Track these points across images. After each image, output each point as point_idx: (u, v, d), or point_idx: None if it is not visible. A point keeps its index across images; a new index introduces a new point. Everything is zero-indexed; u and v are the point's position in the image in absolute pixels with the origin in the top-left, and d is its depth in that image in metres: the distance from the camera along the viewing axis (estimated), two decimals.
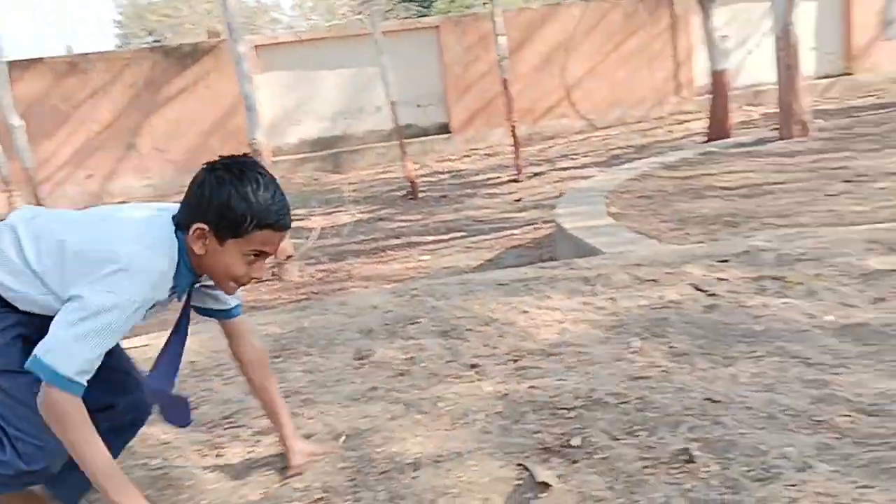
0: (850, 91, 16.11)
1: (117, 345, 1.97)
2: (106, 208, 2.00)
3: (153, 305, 1.90)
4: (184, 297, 2.02)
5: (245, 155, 1.96)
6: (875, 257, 3.64)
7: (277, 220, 1.89)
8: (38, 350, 1.71)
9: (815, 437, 2.10)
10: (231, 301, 2.18)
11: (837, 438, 2.09)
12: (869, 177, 6.06)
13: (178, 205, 1.96)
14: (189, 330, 2.05)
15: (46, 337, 1.73)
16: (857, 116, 9.49)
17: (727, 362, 2.69)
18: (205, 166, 1.89)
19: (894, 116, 9.15)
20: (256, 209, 1.85)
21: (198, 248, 1.88)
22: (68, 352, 1.71)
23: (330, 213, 10.67)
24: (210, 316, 2.16)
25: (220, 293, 2.11)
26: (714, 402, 2.34)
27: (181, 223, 1.89)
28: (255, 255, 1.91)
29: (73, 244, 1.83)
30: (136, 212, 1.95)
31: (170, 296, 1.95)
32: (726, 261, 3.82)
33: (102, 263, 1.77)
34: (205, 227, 1.86)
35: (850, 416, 2.21)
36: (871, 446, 2.03)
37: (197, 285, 2.05)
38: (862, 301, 3.15)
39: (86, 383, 1.74)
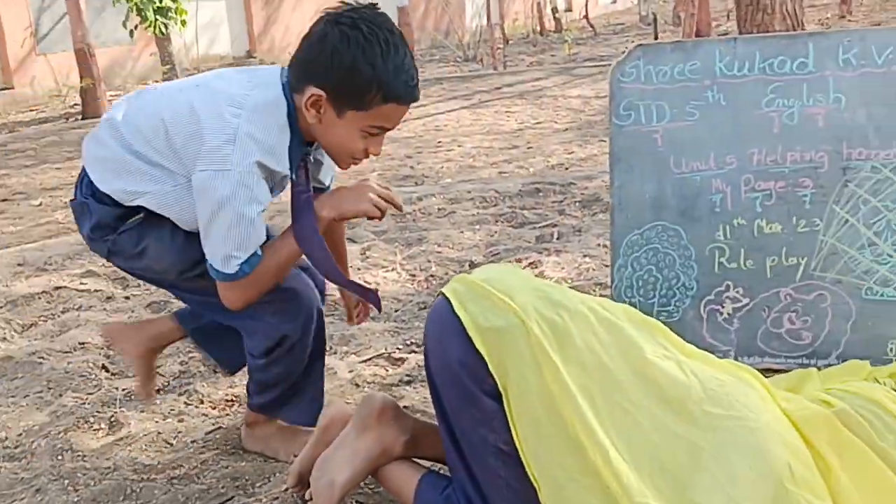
0: (10, 106, 15.78)
1: None
2: (202, 74, 1.81)
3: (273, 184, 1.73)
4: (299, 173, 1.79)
5: (373, 6, 1.69)
6: (22, 280, 3.58)
7: (406, 93, 1.67)
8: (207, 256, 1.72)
9: None
10: (327, 176, 2.00)
11: None
12: (25, 194, 5.98)
13: (278, 67, 1.75)
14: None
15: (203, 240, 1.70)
16: (17, 132, 9.40)
17: None
18: (325, 15, 1.66)
19: (53, 130, 9.28)
20: (385, 78, 1.63)
21: (310, 117, 1.70)
22: (222, 254, 1.68)
23: None
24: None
25: (323, 167, 1.95)
26: None
27: (293, 84, 1.71)
28: (375, 130, 1.71)
29: (170, 121, 1.69)
30: (236, 74, 1.78)
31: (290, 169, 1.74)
32: None
33: (196, 134, 1.66)
34: (321, 93, 1.67)
35: None
36: (17, 498, 1.96)
37: (311, 157, 1.85)
38: (10, 331, 3.05)
39: (247, 254, 1.69)
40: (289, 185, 1.83)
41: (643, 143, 2.39)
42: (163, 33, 11.18)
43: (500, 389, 1.49)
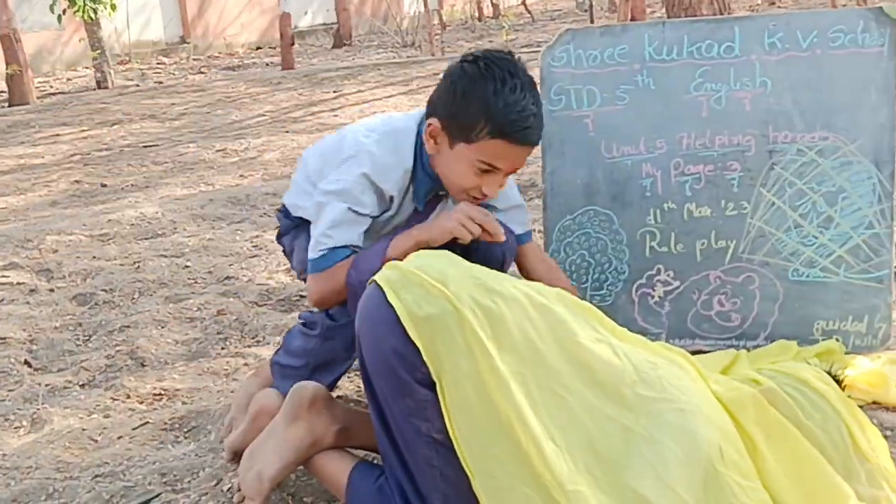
0: None
1: None
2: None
3: (387, 210, 1.85)
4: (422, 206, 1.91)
5: (509, 53, 1.76)
6: None
7: (514, 132, 1.70)
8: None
9: None
10: (517, 223, 2.01)
11: None
12: None
13: None
14: None
15: None
16: None
17: None
18: (462, 57, 1.77)
19: None
20: (493, 113, 1.69)
21: (429, 147, 1.81)
22: (314, 239, 1.83)
23: None
24: None
25: (504, 211, 1.97)
26: None
27: (425, 117, 1.82)
28: (485, 167, 1.75)
29: (328, 147, 1.97)
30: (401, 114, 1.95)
31: (404, 197, 1.86)
32: None
33: (337, 154, 1.86)
34: (437, 123, 1.77)
35: None
36: None
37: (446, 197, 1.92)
38: None
39: (332, 243, 1.81)
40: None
41: (574, 127, 2.39)
42: (92, 18, 10.86)
43: (434, 378, 1.48)
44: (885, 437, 1.78)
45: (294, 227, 2.11)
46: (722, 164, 2.34)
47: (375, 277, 1.55)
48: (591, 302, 2.46)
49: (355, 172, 1.81)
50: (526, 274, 2.07)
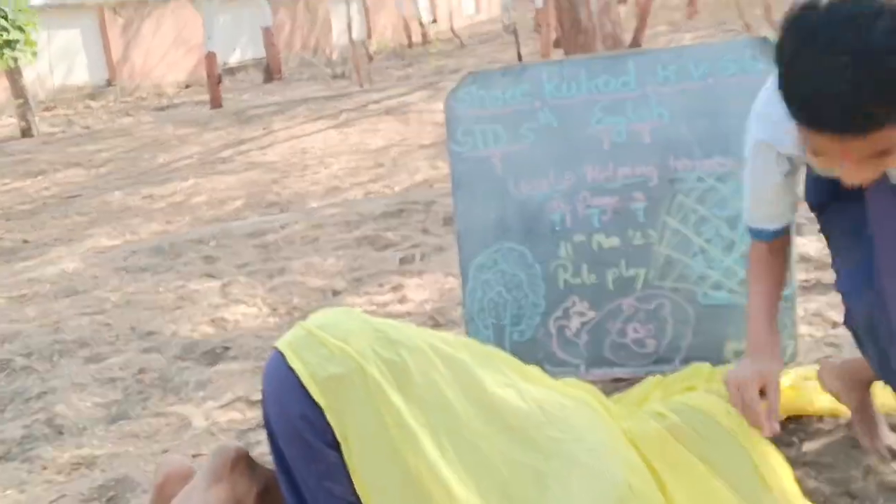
0: None
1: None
2: None
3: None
4: None
5: None
6: None
7: (799, 110, 1.27)
8: None
9: None
10: None
11: None
12: None
13: None
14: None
15: None
16: None
17: None
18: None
19: None
20: (784, 86, 1.28)
21: None
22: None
23: None
24: None
25: None
26: None
27: None
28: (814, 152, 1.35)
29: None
30: None
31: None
32: None
33: None
34: None
35: None
36: None
37: None
38: None
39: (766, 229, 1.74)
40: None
41: (482, 167, 2.42)
42: (12, 66, 10.66)
43: (340, 439, 1.47)
44: None
45: None
46: (627, 194, 2.39)
47: (277, 343, 1.54)
48: (511, 338, 2.50)
49: (756, 130, 1.69)
50: None
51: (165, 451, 2.33)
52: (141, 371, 2.88)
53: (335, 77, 13.82)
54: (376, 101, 9.97)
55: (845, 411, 2.02)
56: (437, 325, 2.98)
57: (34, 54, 10.83)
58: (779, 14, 9.49)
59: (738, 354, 2.37)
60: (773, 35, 2.30)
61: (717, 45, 2.41)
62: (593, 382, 2.09)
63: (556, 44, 9.79)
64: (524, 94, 2.40)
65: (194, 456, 2.26)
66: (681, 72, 2.34)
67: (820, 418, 2.06)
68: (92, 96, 14.61)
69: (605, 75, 2.36)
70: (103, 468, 2.30)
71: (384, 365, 1.52)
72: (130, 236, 4.99)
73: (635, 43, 10.69)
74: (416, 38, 18.61)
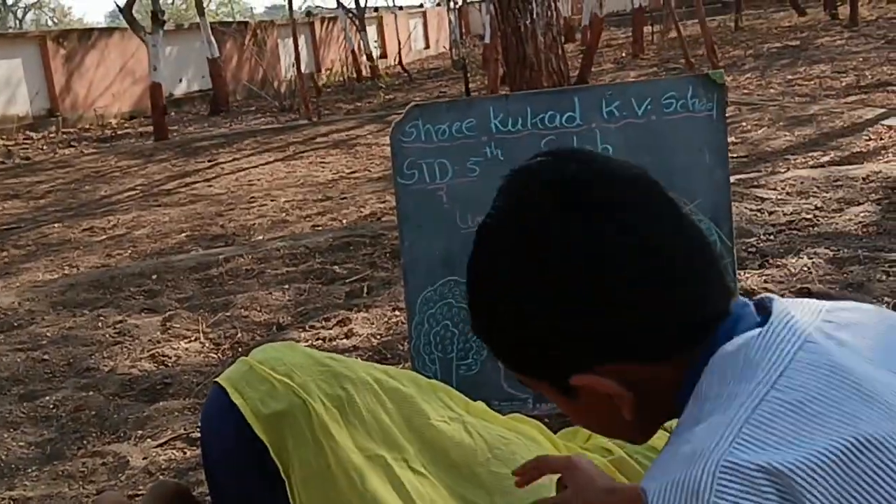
0: None
1: None
2: None
3: None
4: None
5: None
6: None
7: None
8: None
9: None
10: None
11: None
12: None
13: None
14: None
15: None
16: None
17: None
18: None
19: None
20: None
21: None
22: None
23: None
24: None
25: None
26: None
27: None
28: None
29: None
30: None
31: None
32: None
33: None
34: None
35: None
36: None
37: None
38: None
39: None
40: None
41: (429, 200, 2.41)
42: None
43: (283, 476, 1.44)
44: None
45: None
46: None
47: (219, 379, 1.51)
48: (458, 372, 2.48)
49: None
50: None
51: (101, 492, 2.25)
52: (77, 409, 2.79)
53: (283, 110, 13.76)
54: (324, 134, 9.94)
55: None
56: (383, 360, 2.94)
57: None
58: (722, 52, 9.74)
59: None
60: (715, 74, 2.35)
61: (660, 82, 2.46)
62: (540, 417, 2.08)
63: (503, 80, 9.90)
64: (470, 129, 2.40)
65: (131, 496, 2.19)
66: (624, 108, 2.38)
67: None
68: (33, 127, 14.31)
69: (551, 111, 2.38)
70: None
71: (328, 400, 1.50)
72: (69, 270, 4.86)
73: (581, 80, 10.87)
74: (366, 72, 18.69)
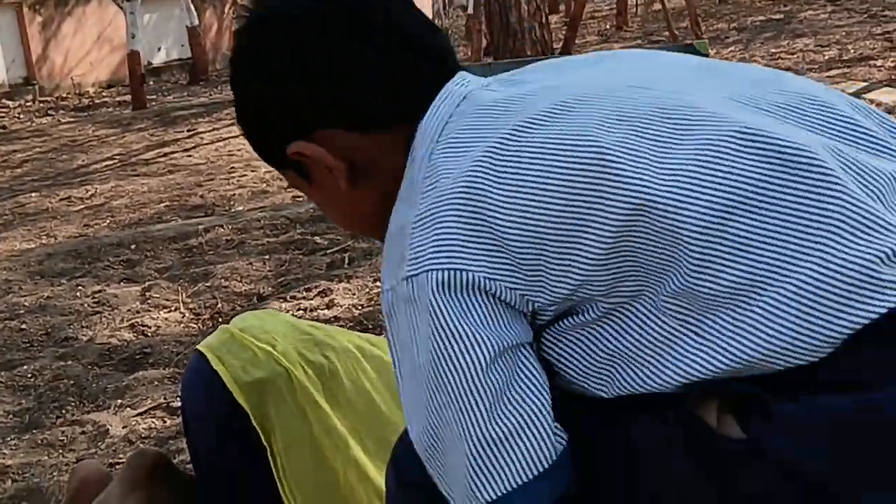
0: None
1: None
2: None
3: None
4: None
5: None
6: None
7: None
8: None
9: None
10: None
11: None
12: None
13: None
14: None
15: None
16: None
17: None
18: None
19: None
20: None
21: None
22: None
23: None
24: None
25: None
26: None
27: None
28: None
29: None
30: None
31: None
32: None
33: None
34: None
35: None
36: None
37: None
38: None
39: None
40: None
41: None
42: None
43: (265, 444, 1.44)
44: None
45: None
46: None
47: (200, 346, 1.49)
48: None
49: None
50: None
51: (81, 460, 2.24)
52: (56, 378, 2.77)
53: None
54: None
55: None
56: (365, 330, 2.94)
57: None
58: (706, 25, 9.71)
59: None
60: (699, 44, 2.34)
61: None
62: None
63: (487, 51, 9.84)
64: None
65: (111, 465, 2.18)
66: None
67: None
68: (9, 95, 14.10)
69: None
70: (14, 478, 2.20)
71: (310, 368, 1.49)
72: (46, 239, 4.81)
73: (565, 52, 10.82)
74: None
